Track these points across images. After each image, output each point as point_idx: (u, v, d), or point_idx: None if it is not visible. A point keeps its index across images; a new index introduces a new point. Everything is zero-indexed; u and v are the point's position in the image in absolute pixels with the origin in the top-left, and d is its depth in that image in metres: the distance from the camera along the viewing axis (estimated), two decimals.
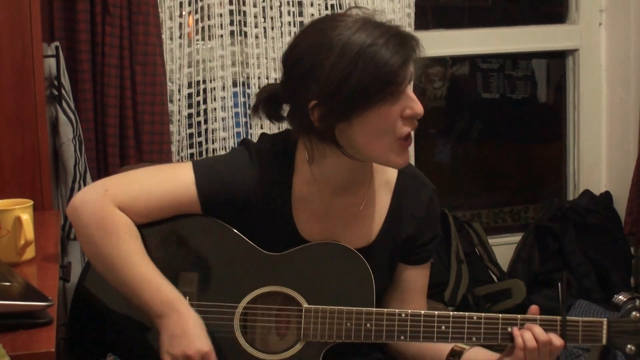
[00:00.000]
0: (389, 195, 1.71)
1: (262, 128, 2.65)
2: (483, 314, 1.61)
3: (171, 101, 2.56)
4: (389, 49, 1.48)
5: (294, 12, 2.68)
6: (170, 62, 2.55)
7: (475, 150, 3.68)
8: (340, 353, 1.68)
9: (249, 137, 2.50)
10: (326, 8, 2.70)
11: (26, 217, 1.73)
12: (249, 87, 2.67)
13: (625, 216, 3.08)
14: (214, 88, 2.61)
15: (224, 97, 2.64)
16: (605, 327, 1.63)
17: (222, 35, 2.60)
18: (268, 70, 2.67)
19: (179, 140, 2.59)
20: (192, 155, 2.64)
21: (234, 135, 2.67)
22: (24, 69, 2.03)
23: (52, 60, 2.23)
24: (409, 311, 1.62)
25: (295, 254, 1.64)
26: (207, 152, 2.65)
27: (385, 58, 1.47)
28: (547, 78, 3.51)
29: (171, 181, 1.62)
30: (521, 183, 3.66)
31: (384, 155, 1.56)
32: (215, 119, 2.63)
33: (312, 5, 2.69)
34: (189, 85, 2.60)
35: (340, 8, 2.69)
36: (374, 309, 1.62)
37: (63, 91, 2.24)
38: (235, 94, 2.68)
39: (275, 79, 2.63)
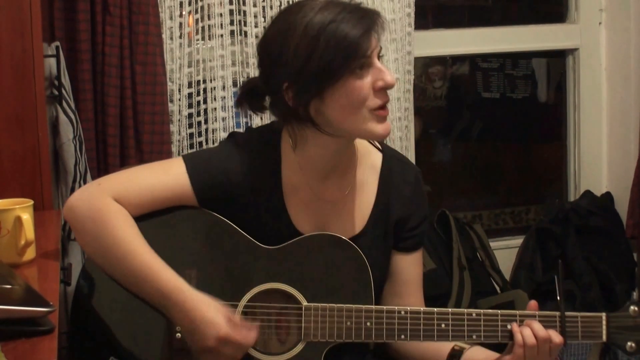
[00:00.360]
0: (376, 178, 1.74)
1: None
2: (482, 311, 1.61)
3: (171, 101, 2.56)
4: (350, 23, 1.54)
5: None
6: (171, 61, 2.55)
7: (476, 150, 3.68)
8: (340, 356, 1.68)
9: None
10: None
11: (26, 217, 1.73)
12: None
13: (626, 219, 3.07)
14: (214, 88, 2.61)
15: (224, 97, 2.63)
16: (604, 322, 1.63)
17: (222, 35, 2.60)
18: None
19: (179, 140, 2.59)
20: None
21: None
22: (24, 69, 2.03)
23: (52, 60, 2.23)
24: (408, 308, 1.62)
25: (292, 247, 1.65)
26: None
27: (346, 31, 1.54)
28: (547, 77, 3.51)
29: (163, 173, 1.65)
30: (522, 183, 3.66)
31: (362, 127, 1.59)
32: (216, 119, 2.63)
33: None
34: (189, 85, 2.60)
35: None
36: (374, 307, 1.62)
37: (63, 91, 2.24)
38: (235, 94, 2.67)
39: None
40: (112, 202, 1.60)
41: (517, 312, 1.62)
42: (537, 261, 3.06)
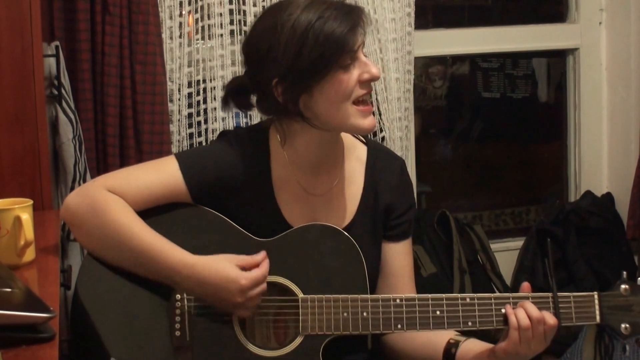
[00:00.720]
0: (362, 170, 1.79)
1: None
2: (476, 295, 1.63)
3: (171, 101, 2.55)
4: (336, 20, 1.60)
5: None
6: (170, 61, 2.54)
7: (476, 150, 3.68)
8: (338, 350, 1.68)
9: None
10: None
11: (26, 217, 1.72)
12: None
13: (627, 220, 3.06)
14: (214, 87, 2.61)
15: None
16: (596, 301, 1.63)
17: (222, 35, 2.60)
18: None
19: (179, 140, 2.59)
20: None
21: None
22: (24, 68, 2.03)
23: (52, 60, 2.23)
24: (403, 296, 1.65)
25: (284, 239, 1.68)
26: None
27: (334, 27, 1.60)
28: (547, 77, 3.51)
29: (157, 170, 1.69)
30: (522, 184, 3.66)
31: (349, 121, 1.65)
32: (215, 119, 2.63)
33: None
34: (189, 85, 2.60)
35: None
36: (369, 296, 1.64)
37: (63, 91, 2.24)
38: None
39: None
40: (108, 193, 1.64)
41: (510, 294, 1.63)
42: (537, 264, 3.04)
